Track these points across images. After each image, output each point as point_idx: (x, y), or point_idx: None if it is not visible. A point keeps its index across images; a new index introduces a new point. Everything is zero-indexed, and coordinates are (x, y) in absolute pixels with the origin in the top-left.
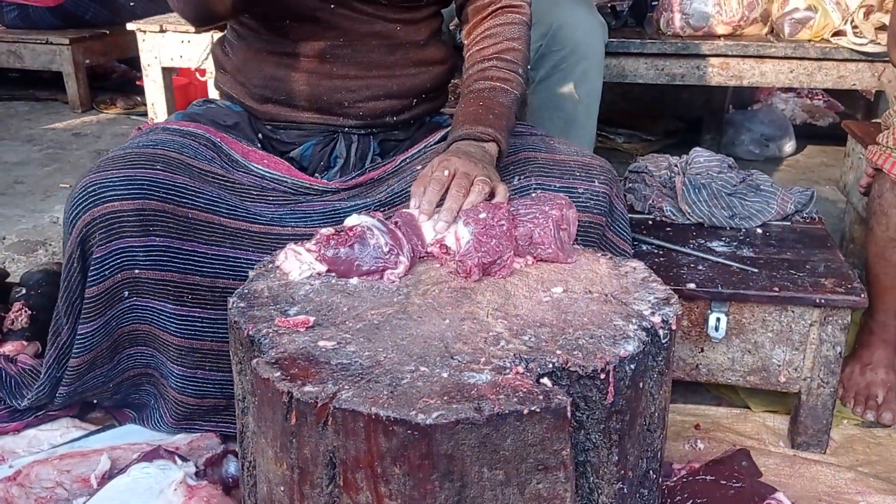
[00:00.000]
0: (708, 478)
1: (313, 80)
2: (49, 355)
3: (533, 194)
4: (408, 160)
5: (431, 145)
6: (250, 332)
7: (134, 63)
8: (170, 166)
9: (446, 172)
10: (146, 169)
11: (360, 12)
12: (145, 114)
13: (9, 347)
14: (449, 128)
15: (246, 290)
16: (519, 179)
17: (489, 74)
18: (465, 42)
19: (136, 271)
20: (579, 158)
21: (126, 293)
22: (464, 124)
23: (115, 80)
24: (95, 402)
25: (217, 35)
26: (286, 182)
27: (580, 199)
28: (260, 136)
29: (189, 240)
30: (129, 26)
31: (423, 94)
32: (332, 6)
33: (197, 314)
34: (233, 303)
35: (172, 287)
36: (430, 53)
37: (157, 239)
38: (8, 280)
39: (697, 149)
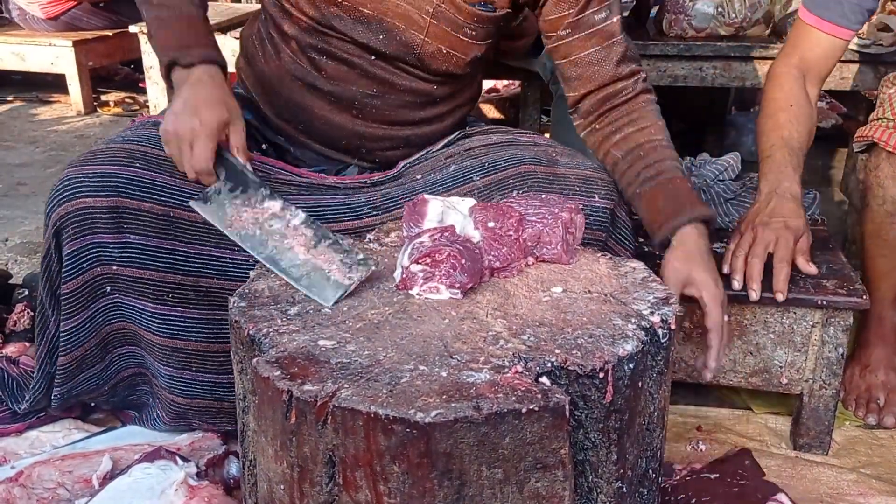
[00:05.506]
0: (711, 475)
1: (335, 123)
2: (40, 350)
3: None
4: (408, 165)
5: (434, 152)
6: (251, 332)
7: (137, 65)
8: (150, 164)
9: (727, 318)
10: (124, 166)
11: (399, 69)
12: None
13: (11, 349)
14: (447, 136)
15: (246, 290)
16: (517, 194)
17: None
18: (595, 138)
19: (115, 267)
20: (580, 172)
21: (108, 288)
22: (683, 207)
23: (118, 82)
24: (94, 405)
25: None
26: (272, 172)
27: None
28: (265, 146)
29: (169, 238)
30: (132, 28)
31: (442, 135)
32: (373, 57)
33: (179, 314)
34: (233, 302)
35: (151, 285)
36: (460, 99)
37: (132, 237)
38: (10, 282)
39: (705, 155)
